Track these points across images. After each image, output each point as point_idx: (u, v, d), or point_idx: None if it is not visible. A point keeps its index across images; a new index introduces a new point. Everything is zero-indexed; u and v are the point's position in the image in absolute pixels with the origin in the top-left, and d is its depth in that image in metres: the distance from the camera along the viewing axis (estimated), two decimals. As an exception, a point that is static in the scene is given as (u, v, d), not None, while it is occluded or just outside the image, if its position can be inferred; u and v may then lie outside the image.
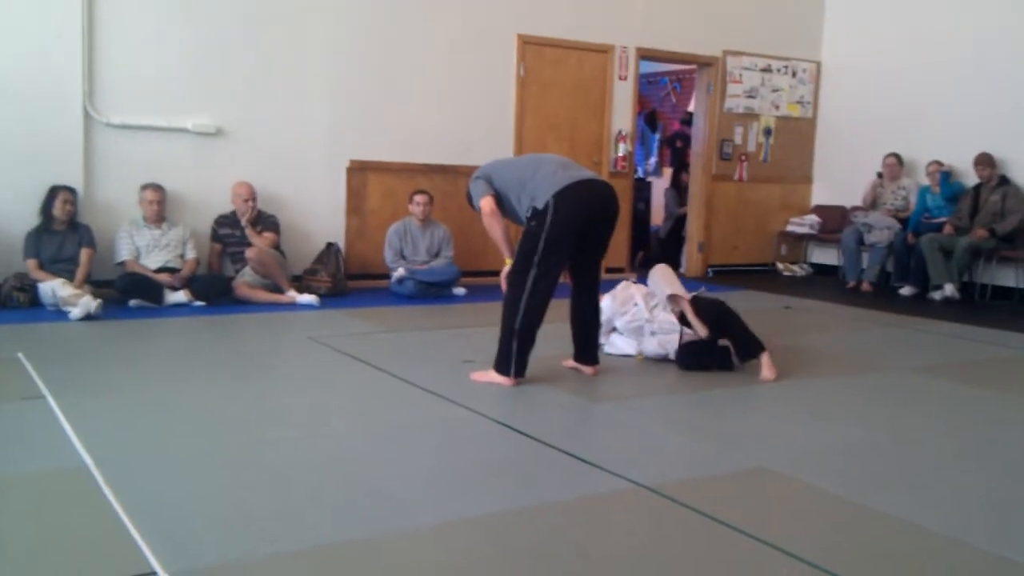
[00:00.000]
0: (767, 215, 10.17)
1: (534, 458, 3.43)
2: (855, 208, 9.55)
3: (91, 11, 6.56)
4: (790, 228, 10.18)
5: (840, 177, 10.01)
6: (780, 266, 10.09)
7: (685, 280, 8.91)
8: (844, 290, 8.84)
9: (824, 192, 10.31)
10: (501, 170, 4.59)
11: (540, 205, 4.32)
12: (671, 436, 3.82)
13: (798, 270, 10.04)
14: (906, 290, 8.53)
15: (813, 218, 10.12)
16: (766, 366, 4.77)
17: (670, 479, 3.19)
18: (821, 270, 10.11)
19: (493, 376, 4.49)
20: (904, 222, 8.93)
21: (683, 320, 4.98)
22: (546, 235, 4.29)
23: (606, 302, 5.20)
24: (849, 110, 9.98)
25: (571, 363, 4.82)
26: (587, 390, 4.53)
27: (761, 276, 9.68)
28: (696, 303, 4.96)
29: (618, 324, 5.25)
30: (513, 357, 4.41)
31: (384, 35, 7.73)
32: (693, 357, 4.92)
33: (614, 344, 5.25)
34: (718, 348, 4.94)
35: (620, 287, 5.42)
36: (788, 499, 3.13)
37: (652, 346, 5.07)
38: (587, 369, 4.76)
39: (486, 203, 4.47)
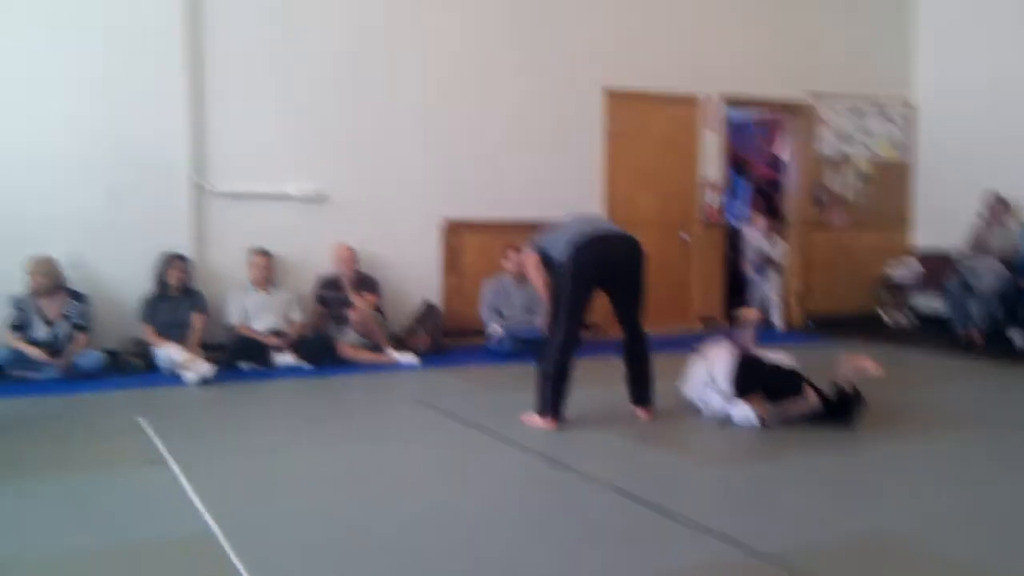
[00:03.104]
0: (866, 262, 9.94)
1: (645, 523, 3.40)
2: (959, 253, 9.27)
3: (199, 87, 6.90)
4: (891, 275, 9.92)
5: (941, 220, 9.73)
6: (883, 315, 9.82)
7: (779, 334, 8.76)
8: (952, 339, 8.54)
9: (925, 236, 10.04)
10: (549, 233, 5.13)
11: (563, 259, 4.81)
12: (784, 499, 3.75)
13: (902, 319, 9.76)
14: (1019, 338, 8.20)
15: (915, 264, 9.84)
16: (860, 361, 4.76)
17: (786, 546, 3.12)
18: (926, 318, 9.79)
19: (535, 419, 4.84)
20: (1012, 266, 8.61)
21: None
22: (568, 285, 4.79)
23: (698, 364, 5.17)
24: (946, 151, 9.74)
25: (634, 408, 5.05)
26: (693, 450, 4.49)
27: (863, 325, 9.43)
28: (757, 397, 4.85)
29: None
30: (549, 399, 4.78)
31: (472, 93, 7.92)
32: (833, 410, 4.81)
33: (711, 405, 5.15)
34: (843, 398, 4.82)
35: (710, 346, 5.35)
36: (915, 568, 3.03)
37: (740, 414, 4.96)
38: (641, 412, 4.99)
39: (530, 258, 5.12)
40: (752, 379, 4.84)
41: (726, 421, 4.92)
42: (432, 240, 7.86)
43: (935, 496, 3.77)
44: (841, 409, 4.80)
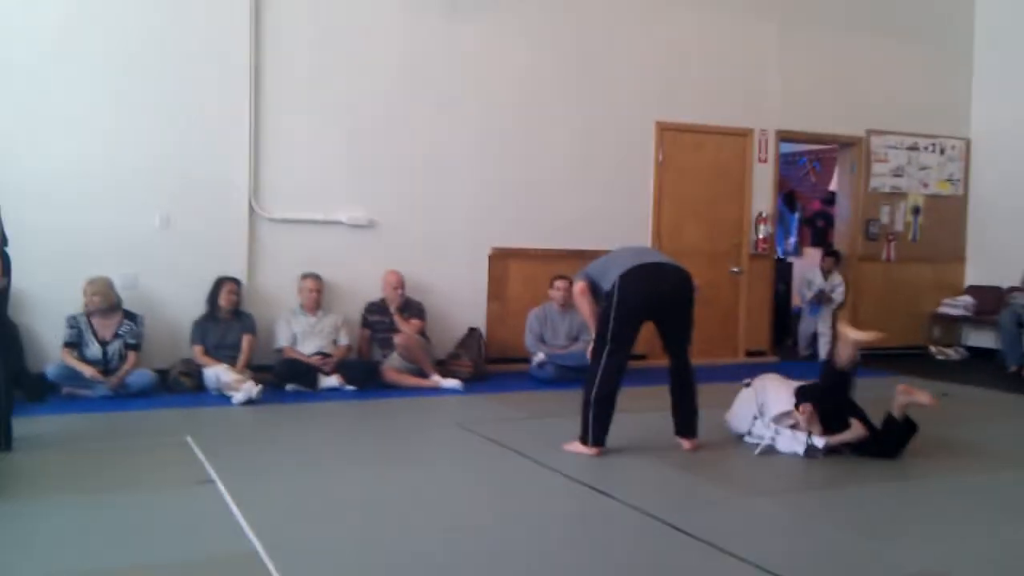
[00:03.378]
0: (917, 296, 9.79)
1: (688, 553, 3.37)
2: (1012, 288, 9.09)
3: (256, 118, 7.04)
4: (943, 310, 9.77)
5: (995, 256, 9.58)
6: (933, 349, 9.65)
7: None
8: (1004, 375, 8.37)
9: (978, 272, 9.87)
10: (597, 263, 5.15)
11: (608, 287, 4.83)
12: (835, 534, 3.68)
13: (952, 354, 9.58)
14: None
15: (967, 299, 9.68)
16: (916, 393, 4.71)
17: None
18: (977, 354, 9.61)
19: (577, 447, 4.85)
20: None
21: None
22: (614, 314, 4.78)
23: (746, 394, 5.13)
24: (1002, 187, 9.60)
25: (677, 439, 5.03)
26: (739, 482, 4.43)
27: (913, 360, 9.27)
28: (811, 408, 4.79)
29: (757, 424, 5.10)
30: (591, 426, 4.79)
31: (523, 124, 7.98)
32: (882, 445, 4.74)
33: (756, 436, 5.09)
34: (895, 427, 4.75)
35: (761, 378, 5.31)
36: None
37: (786, 444, 4.89)
38: (685, 443, 4.98)
39: (578, 287, 5.10)
40: (809, 396, 4.82)
41: (770, 451, 4.87)
42: (479, 267, 7.90)
43: (985, 535, 3.68)
44: (888, 439, 4.73)
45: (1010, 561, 3.38)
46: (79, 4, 6.55)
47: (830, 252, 9.63)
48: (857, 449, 4.76)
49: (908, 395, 4.78)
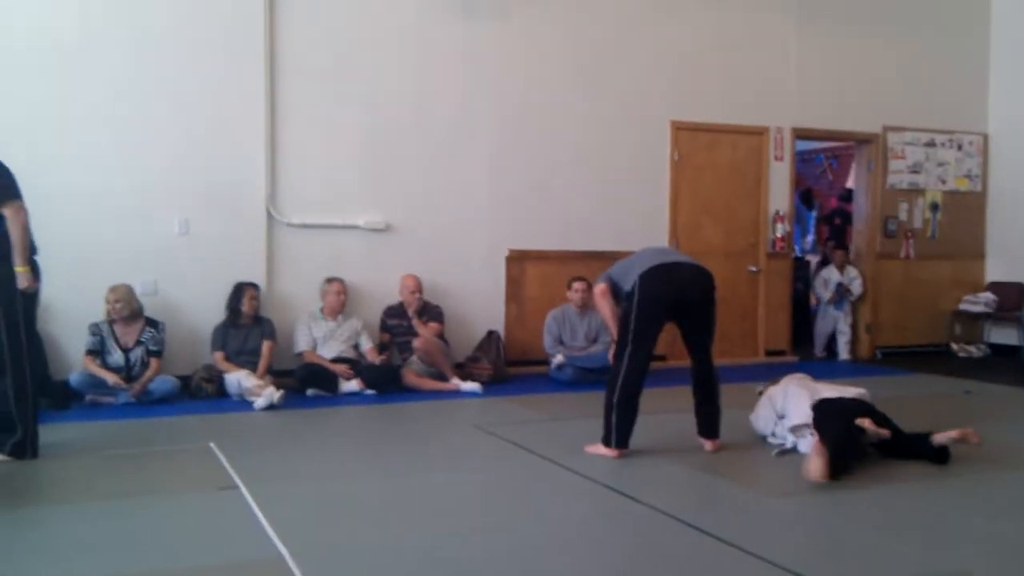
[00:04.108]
0: (937, 293, 9.73)
1: (712, 556, 3.36)
2: (1035, 284, 9.02)
3: (272, 123, 7.08)
4: (964, 307, 9.70)
5: (1016, 252, 9.51)
6: (955, 347, 9.59)
7: (847, 366, 8.60)
8: (1026, 371, 8.32)
9: (999, 268, 9.80)
10: (619, 264, 5.13)
11: (629, 287, 4.81)
12: (859, 534, 3.66)
13: (975, 351, 9.51)
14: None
15: (989, 296, 9.61)
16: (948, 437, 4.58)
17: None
18: (1000, 350, 9.54)
19: (600, 448, 4.83)
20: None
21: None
22: (635, 314, 4.76)
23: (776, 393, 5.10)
24: (1021, 181, 9.52)
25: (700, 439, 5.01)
26: (762, 482, 4.42)
27: (934, 358, 9.21)
28: (821, 432, 4.63)
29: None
30: (614, 428, 4.77)
31: (539, 125, 7.99)
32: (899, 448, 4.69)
33: (779, 438, 5.07)
34: (919, 439, 4.70)
35: (780, 381, 5.27)
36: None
37: (805, 446, 4.85)
38: (707, 443, 4.96)
39: (599, 288, 5.09)
40: (827, 421, 4.67)
41: (791, 451, 4.84)
42: (497, 270, 7.91)
43: (1009, 535, 3.64)
44: (911, 447, 4.69)
45: (1038, 559, 3.35)
46: (95, 9, 6.60)
47: (840, 246, 9.64)
48: (882, 449, 4.72)
49: (964, 439, 4.68)
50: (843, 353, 9.21)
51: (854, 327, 9.36)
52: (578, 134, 8.13)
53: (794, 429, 4.87)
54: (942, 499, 4.17)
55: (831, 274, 9.38)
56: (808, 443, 4.73)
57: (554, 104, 8.04)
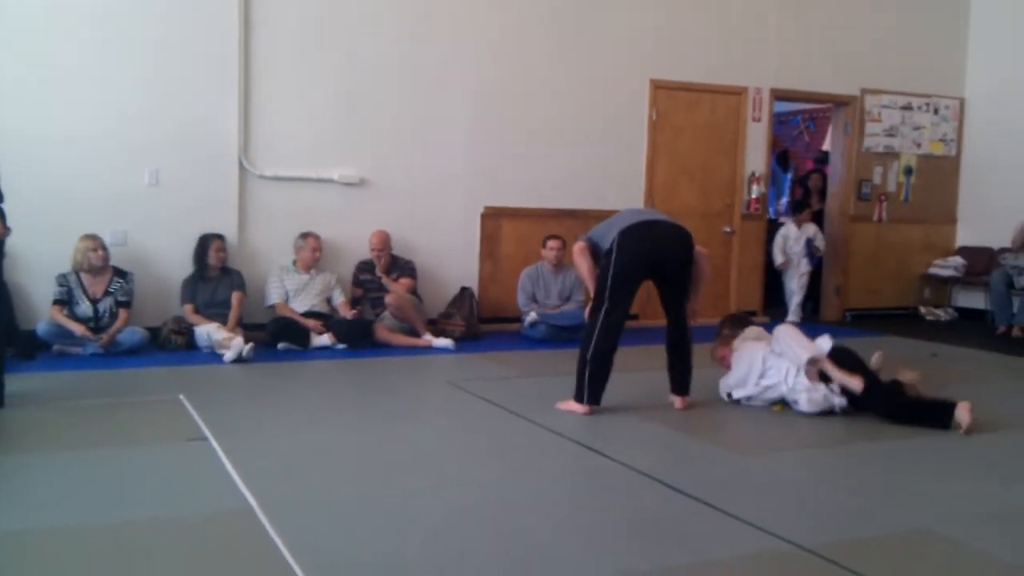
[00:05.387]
0: (908, 257, 9.82)
1: (684, 513, 3.39)
2: (1003, 250, 9.11)
3: (247, 75, 6.94)
4: (933, 271, 9.79)
5: (986, 217, 9.59)
6: (923, 310, 9.69)
7: (821, 326, 8.64)
8: (993, 336, 8.42)
9: (969, 233, 9.89)
10: (600, 225, 5.11)
11: (608, 245, 4.81)
12: (827, 492, 3.72)
13: (942, 314, 9.62)
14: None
15: (958, 260, 9.71)
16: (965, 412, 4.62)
17: (830, 539, 3.10)
18: (967, 314, 9.66)
19: (571, 405, 4.86)
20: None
21: (823, 378, 4.84)
22: (612, 271, 4.76)
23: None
24: (995, 147, 9.58)
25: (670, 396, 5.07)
26: (733, 440, 4.46)
27: (903, 321, 9.32)
28: (836, 359, 4.83)
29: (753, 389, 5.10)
30: (586, 385, 4.79)
31: (516, 82, 7.90)
32: (906, 411, 4.74)
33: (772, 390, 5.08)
34: (936, 404, 4.75)
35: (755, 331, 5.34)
36: (959, 567, 2.99)
37: (803, 405, 4.90)
38: (677, 400, 5.02)
39: (578, 245, 5.07)
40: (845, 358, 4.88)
41: (785, 405, 4.94)
42: (472, 227, 7.86)
43: (973, 494, 3.71)
44: (877, 398, 4.77)
45: (997, 519, 3.41)
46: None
47: (801, 206, 9.37)
48: (853, 402, 4.80)
49: (912, 383, 4.93)
50: (792, 315, 8.96)
51: (816, 288, 9.35)
52: (556, 92, 8.05)
53: (809, 363, 4.83)
54: (905, 459, 4.24)
55: (789, 231, 9.17)
56: (806, 394, 4.78)
57: (532, 61, 7.94)
